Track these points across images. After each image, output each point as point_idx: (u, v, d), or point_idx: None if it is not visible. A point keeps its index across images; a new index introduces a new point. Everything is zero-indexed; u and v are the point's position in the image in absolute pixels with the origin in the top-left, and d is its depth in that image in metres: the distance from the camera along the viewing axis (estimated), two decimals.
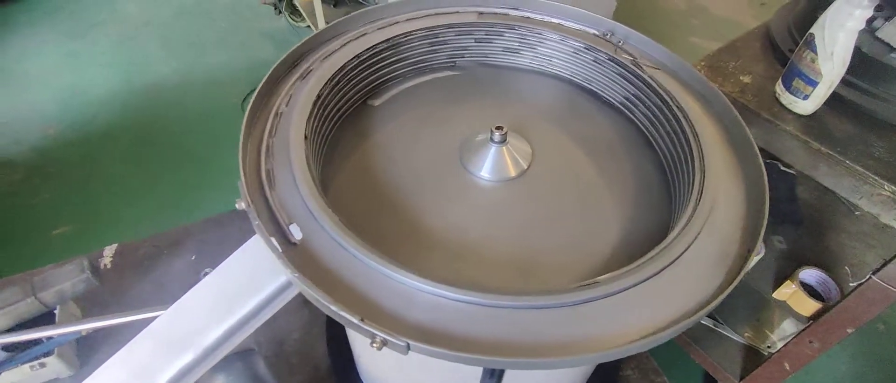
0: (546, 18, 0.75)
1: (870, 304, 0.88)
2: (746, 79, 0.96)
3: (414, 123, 0.69)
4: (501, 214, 0.59)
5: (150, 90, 2.38)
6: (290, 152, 0.52)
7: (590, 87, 0.74)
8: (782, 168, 1.26)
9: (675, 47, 0.69)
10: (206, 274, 0.91)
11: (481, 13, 0.74)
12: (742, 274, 0.47)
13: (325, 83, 0.60)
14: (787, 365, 1.08)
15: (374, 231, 0.55)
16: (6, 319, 0.72)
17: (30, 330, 0.73)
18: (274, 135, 0.55)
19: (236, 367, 0.58)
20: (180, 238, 0.97)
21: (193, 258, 0.94)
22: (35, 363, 0.74)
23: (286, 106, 0.58)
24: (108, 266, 0.92)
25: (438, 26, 0.72)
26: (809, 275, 1.19)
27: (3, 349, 0.74)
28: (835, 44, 0.77)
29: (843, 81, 0.83)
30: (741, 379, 1.19)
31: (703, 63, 1.01)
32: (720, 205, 0.53)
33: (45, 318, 0.76)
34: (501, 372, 0.51)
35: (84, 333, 0.78)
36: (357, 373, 0.78)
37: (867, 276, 0.87)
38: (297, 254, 0.46)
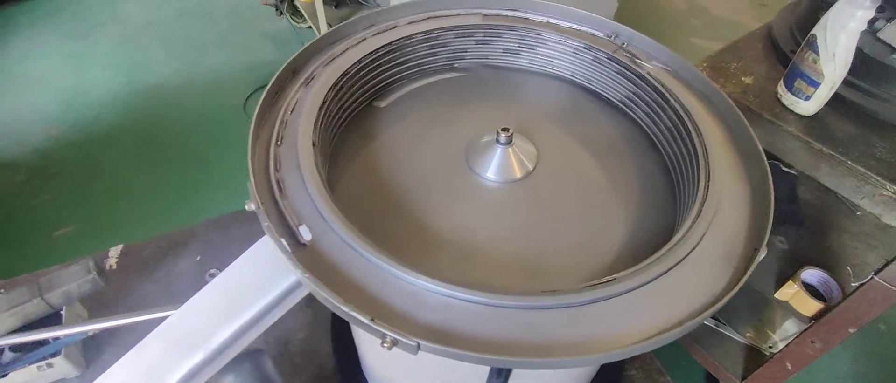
0: (549, 20, 0.76)
1: (871, 304, 0.89)
2: (748, 79, 0.97)
3: (419, 125, 0.69)
4: (507, 215, 0.59)
5: (151, 91, 2.38)
6: (298, 156, 0.53)
7: (594, 88, 0.75)
8: (784, 168, 1.27)
9: (675, 48, 0.69)
10: (211, 275, 0.92)
11: (485, 15, 0.75)
12: (747, 274, 0.47)
13: (330, 87, 0.61)
14: (788, 365, 1.08)
15: (379, 231, 0.55)
16: (13, 320, 0.72)
17: (37, 330, 0.73)
18: (282, 138, 0.55)
19: (245, 367, 0.59)
20: (185, 239, 0.97)
21: (198, 259, 0.94)
22: (42, 363, 0.75)
23: (292, 112, 0.58)
24: (114, 267, 0.93)
25: (440, 28, 0.72)
26: (811, 275, 1.20)
27: (10, 349, 0.75)
28: (836, 45, 0.77)
29: (845, 82, 0.83)
30: (743, 379, 1.20)
31: (704, 64, 1.02)
32: (725, 205, 0.54)
33: (52, 319, 0.76)
34: (508, 372, 0.52)
35: (91, 334, 0.78)
36: (362, 373, 0.79)
37: (869, 276, 0.87)
38: (306, 255, 0.46)
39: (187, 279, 0.91)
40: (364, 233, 0.47)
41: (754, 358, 1.21)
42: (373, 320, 0.40)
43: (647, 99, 0.68)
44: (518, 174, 0.62)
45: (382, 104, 0.71)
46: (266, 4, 2.72)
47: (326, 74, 0.62)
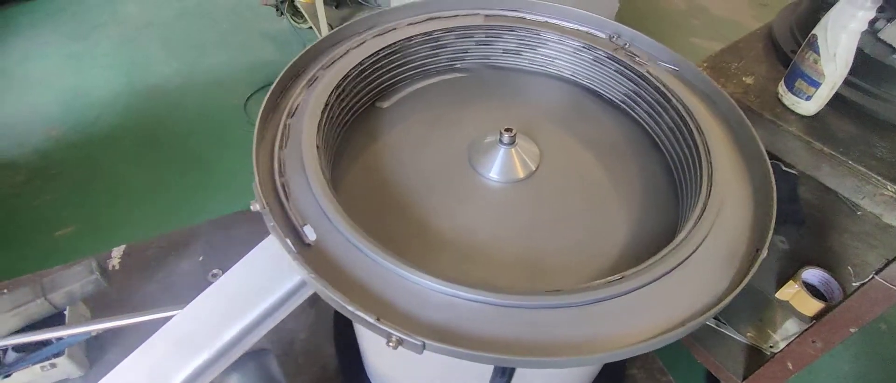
0: (550, 21, 0.76)
1: (872, 304, 0.89)
2: (749, 80, 0.97)
3: (422, 125, 0.69)
4: (509, 215, 0.60)
5: (151, 91, 2.38)
6: (303, 157, 0.53)
7: (596, 88, 0.75)
8: (784, 168, 1.27)
9: (675, 48, 0.70)
10: (214, 275, 0.92)
11: (488, 16, 0.75)
12: (750, 274, 0.47)
13: (333, 89, 0.61)
14: (789, 365, 1.09)
15: (382, 231, 0.56)
16: (17, 320, 0.72)
17: (40, 331, 0.74)
18: (286, 140, 0.55)
19: (250, 367, 0.59)
20: (187, 239, 0.97)
21: (201, 259, 0.94)
22: (46, 363, 0.75)
23: (295, 114, 0.58)
24: (116, 267, 0.93)
25: (442, 29, 0.72)
26: (812, 274, 1.20)
27: (14, 349, 0.75)
28: (837, 45, 0.78)
29: (846, 82, 0.83)
30: (744, 378, 1.20)
31: (705, 64, 1.02)
32: (728, 205, 0.54)
33: (55, 319, 0.76)
34: (512, 371, 0.52)
35: (94, 334, 0.78)
36: (365, 372, 0.79)
37: (870, 276, 0.88)
38: (311, 255, 0.46)
39: (190, 279, 0.92)
40: (368, 234, 0.47)
41: (755, 357, 1.21)
42: (379, 319, 0.40)
43: (649, 98, 0.68)
44: (521, 174, 0.63)
45: (385, 105, 0.72)
46: (266, 5, 2.72)
47: (328, 76, 0.63)
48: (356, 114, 0.69)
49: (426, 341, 0.40)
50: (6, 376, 0.74)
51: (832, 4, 0.78)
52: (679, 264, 0.48)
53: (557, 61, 0.76)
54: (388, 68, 0.71)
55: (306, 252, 0.46)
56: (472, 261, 0.55)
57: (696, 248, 0.49)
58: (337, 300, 0.42)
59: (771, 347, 1.20)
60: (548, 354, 0.42)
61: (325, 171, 0.52)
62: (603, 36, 0.74)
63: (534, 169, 0.64)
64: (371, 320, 0.40)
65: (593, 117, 0.73)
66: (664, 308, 0.46)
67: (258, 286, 0.50)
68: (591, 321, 0.44)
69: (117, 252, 0.95)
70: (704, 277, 0.48)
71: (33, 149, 2.09)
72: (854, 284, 1.17)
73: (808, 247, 1.28)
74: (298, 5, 2.55)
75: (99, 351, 0.82)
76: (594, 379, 0.74)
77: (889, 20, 0.84)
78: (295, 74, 0.64)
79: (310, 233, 0.47)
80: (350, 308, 0.41)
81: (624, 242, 0.58)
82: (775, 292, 1.23)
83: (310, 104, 0.59)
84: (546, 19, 0.76)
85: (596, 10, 0.74)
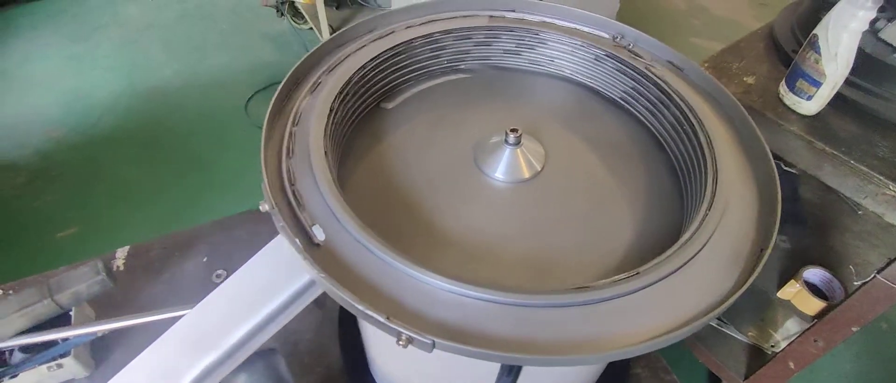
0: (552, 21, 0.76)
1: (874, 303, 0.90)
2: (750, 79, 0.97)
3: (426, 126, 0.70)
4: (515, 215, 0.60)
5: (152, 93, 2.39)
6: (310, 157, 0.53)
7: (599, 88, 0.75)
8: (785, 167, 1.27)
9: (676, 48, 0.70)
10: (219, 275, 0.93)
11: (491, 17, 0.76)
12: (755, 274, 0.47)
13: (337, 94, 0.61)
14: (791, 364, 1.09)
15: (388, 231, 0.56)
16: (24, 320, 0.73)
17: (46, 331, 0.74)
18: (293, 143, 0.56)
19: (258, 367, 0.59)
20: (191, 240, 0.98)
21: (205, 260, 0.95)
22: (52, 364, 0.75)
23: (302, 116, 0.59)
24: (121, 267, 0.93)
25: (442, 31, 0.73)
26: (813, 274, 1.20)
27: (20, 350, 0.75)
28: (838, 45, 0.78)
29: (847, 82, 0.84)
30: (746, 378, 1.20)
31: (706, 64, 1.03)
32: (733, 205, 0.54)
33: (61, 320, 0.77)
34: (519, 369, 0.52)
35: (100, 334, 0.79)
36: (370, 372, 0.79)
37: (871, 275, 0.88)
38: (320, 255, 0.47)
39: (194, 280, 0.92)
40: (376, 233, 0.48)
41: (757, 357, 1.22)
42: (389, 318, 0.41)
43: (652, 97, 0.68)
44: (526, 174, 0.63)
45: (390, 106, 0.72)
46: (267, 6, 2.72)
47: (333, 80, 0.63)
48: (361, 116, 0.70)
49: (436, 339, 0.40)
50: (13, 376, 0.74)
51: (833, 4, 0.79)
52: (685, 263, 0.48)
53: (561, 61, 0.77)
54: (390, 71, 0.71)
55: (315, 252, 0.47)
56: (478, 260, 0.55)
57: (702, 247, 0.50)
58: (347, 299, 0.42)
59: (772, 346, 1.21)
60: (556, 353, 0.42)
61: (332, 170, 0.53)
62: (606, 36, 0.74)
63: (539, 169, 0.64)
64: (381, 319, 0.41)
65: (597, 117, 0.73)
66: (670, 307, 0.46)
67: (267, 286, 0.50)
68: (598, 320, 0.45)
69: (122, 253, 0.95)
70: (710, 276, 0.49)
71: (34, 151, 2.09)
72: (855, 283, 1.17)
73: (809, 247, 1.28)
74: (299, 6, 2.55)
75: (104, 352, 0.82)
76: (599, 378, 0.74)
77: (890, 20, 0.85)
78: (296, 81, 0.64)
79: (319, 234, 0.47)
80: (360, 307, 0.41)
81: (629, 242, 0.58)
82: (777, 291, 1.23)
83: (316, 109, 0.59)
84: (547, 19, 0.77)
85: (596, 11, 0.74)
